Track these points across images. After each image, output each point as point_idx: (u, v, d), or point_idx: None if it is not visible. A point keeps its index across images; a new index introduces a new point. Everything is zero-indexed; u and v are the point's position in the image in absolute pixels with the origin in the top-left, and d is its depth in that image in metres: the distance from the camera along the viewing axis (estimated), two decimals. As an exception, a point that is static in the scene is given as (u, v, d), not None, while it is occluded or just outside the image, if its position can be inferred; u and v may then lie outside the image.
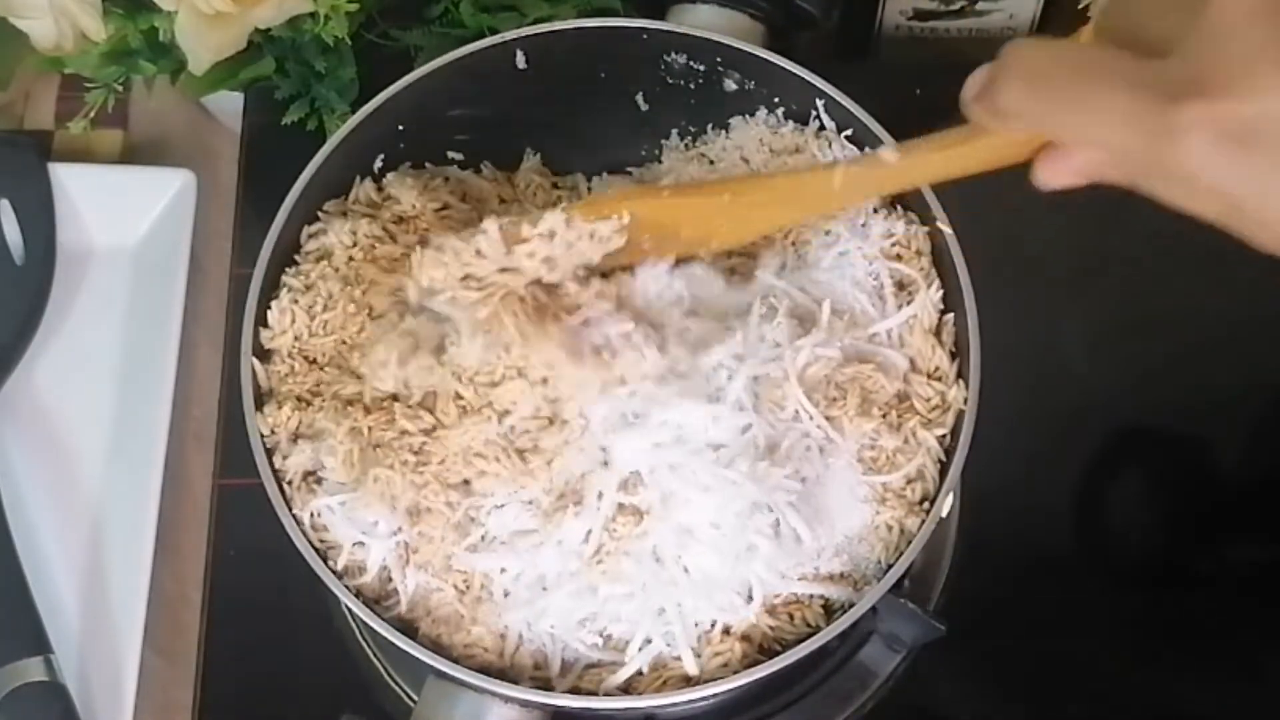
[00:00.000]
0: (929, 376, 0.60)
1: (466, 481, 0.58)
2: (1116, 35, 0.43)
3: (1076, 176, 0.45)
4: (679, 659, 0.56)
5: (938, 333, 0.61)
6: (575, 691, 0.56)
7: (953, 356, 0.61)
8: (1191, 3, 0.39)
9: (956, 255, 0.61)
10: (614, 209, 0.56)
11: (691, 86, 0.69)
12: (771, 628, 0.57)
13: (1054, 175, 0.45)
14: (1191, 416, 0.75)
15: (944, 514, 0.63)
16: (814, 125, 0.66)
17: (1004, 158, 0.49)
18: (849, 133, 0.65)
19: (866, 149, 0.60)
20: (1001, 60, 0.44)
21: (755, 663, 0.56)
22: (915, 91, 0.81)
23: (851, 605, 0.56)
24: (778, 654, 0.55)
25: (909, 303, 0.61)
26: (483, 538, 0.57)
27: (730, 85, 0.68)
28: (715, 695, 0.55)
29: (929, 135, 0.50)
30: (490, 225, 0.55)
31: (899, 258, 0.62)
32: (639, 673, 0.56)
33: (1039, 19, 0.83)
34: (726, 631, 0.56)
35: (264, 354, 0.61)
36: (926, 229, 0.63)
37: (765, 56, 0.66)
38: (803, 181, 0.58)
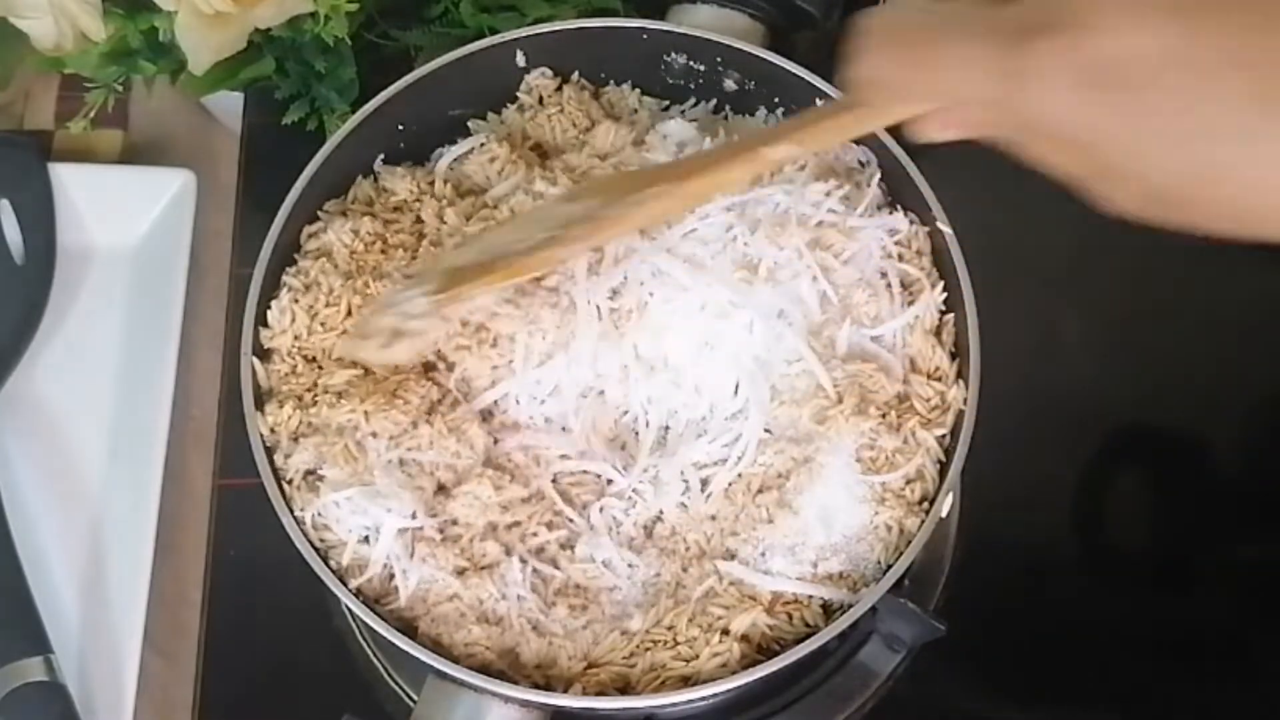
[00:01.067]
0: (929, 376, 0.60)
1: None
2: None
3: (951, 130, 0.44)
4: (678, 660, 0.56)
5: (938, 333, 0.61)
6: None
7: (952, 357, 0.61)
8: None
9: (957, 255, 0.61)
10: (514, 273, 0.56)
11: (691, 86, 0.69)
12: (770, 627, 0.57)
13: (929, 128, 0.44)
14: (1191, 416, 0.75)
15: (944, 514, 0.63)
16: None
17: (885, 118, 0.49)
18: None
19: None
20: (856, 30, 0.43)
21: (754, 663, 0.56)
22: (915, 91, 0.81)
23: (851, 605, 0.56)
24: (777, 654, 0.55)
25: (911, 303, 0.61)
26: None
27: (730, 85, 0.68)
28: (715, 695, 0.55)
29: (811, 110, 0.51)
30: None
31: (900, 258, 0.62)
32: (641, 671, 0.56)
33: (1039, 19, 0.83)
34: (725, 632, 0.56)
35: (264, 353, 0.61)
36: (927, 229, 0.63)
37: (764, 56, 0.66)
38: (727, 153, 0.56)
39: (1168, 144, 0.37)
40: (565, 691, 0.56)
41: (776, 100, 0.67)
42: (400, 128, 0.67)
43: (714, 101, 0.69)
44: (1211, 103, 0.36)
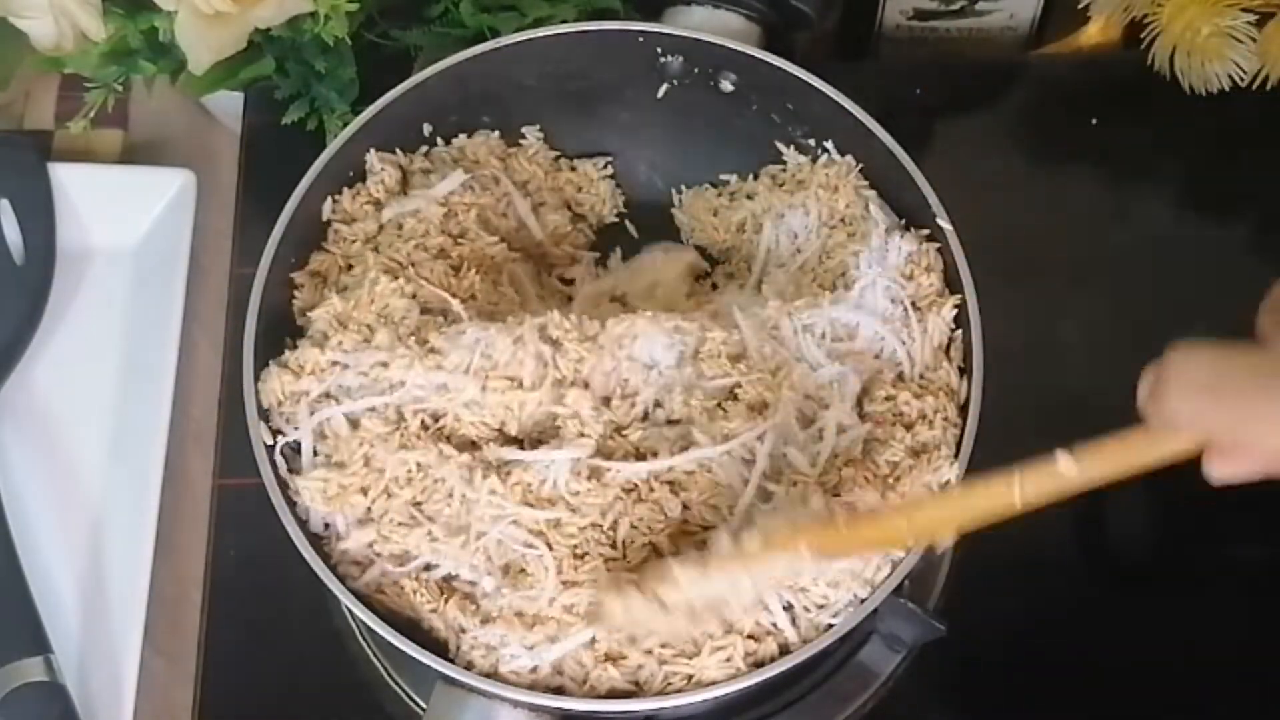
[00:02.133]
0: (939, 392, 0.60)
1: None
2: None
3: (1249, 471, 0.44)
4: (681, 657, 0.56)
5: (947, 349, 0.61)
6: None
7: (961, 373, 0.61)
8: None
9: (958, 252, 0.61)
10: (791, 544, 0.54)
11: (689, 87, 0.69)
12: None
13: (1226, 472, 0.44)
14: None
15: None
16: (822, 156, 0.67)
17: (1177, 454, 0.48)
18: (851, 156, 0.66)
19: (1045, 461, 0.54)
20: (1165, 366, 0.44)
21: (758, 663, 0.56)
22: (915, 91, 0.81)
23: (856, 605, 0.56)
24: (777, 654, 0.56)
25: (921, 321, 0.61)
26: None
27: (727, 86, 0.68)
28: (716, 697, 0.55)
29: (1103, 440, 0.49)
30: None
31: (911, 276, 0.62)
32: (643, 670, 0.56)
33: (1039, 19, 0.83)
34: (729, 630, 0.57)
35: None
36: (937, 246, 0.63)
37: (760, 56, 0.66)
38: (982, 495, 0.53)
39: None
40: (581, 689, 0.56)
41: (774, 100, 0.67)
42: (404, 127, 0.67)
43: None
44: None
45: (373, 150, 0.66)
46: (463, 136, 0.69)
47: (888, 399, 0.60)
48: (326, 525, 0.59)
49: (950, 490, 0.58)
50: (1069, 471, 0.50)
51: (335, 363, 0.60)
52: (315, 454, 0.59)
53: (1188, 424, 0.44)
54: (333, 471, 0.58)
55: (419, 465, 0.57)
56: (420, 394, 0.59)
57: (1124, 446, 0.48)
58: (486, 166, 0.68)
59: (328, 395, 0.60)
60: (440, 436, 0.59)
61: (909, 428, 0.59)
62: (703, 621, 0.54)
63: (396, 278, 0.62)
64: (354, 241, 0.65)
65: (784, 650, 0.56)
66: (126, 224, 0.79)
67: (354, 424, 0.59)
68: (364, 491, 0.58)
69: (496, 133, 0.70)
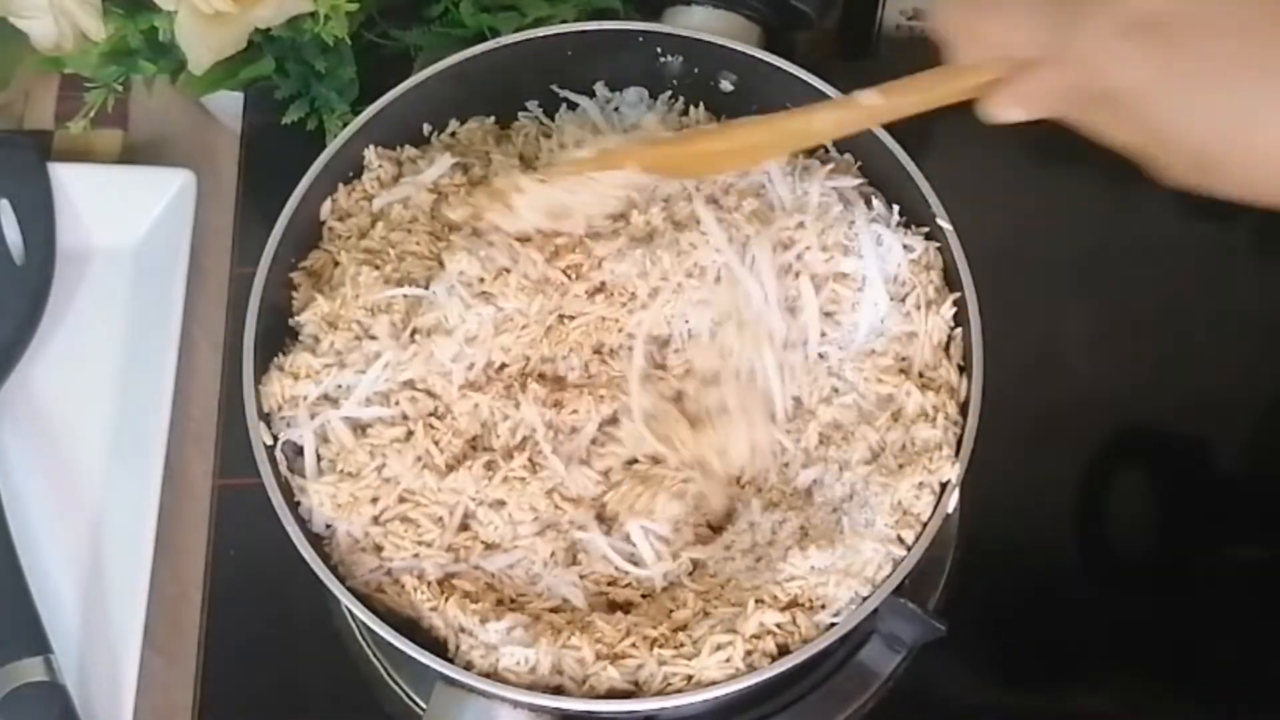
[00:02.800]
0: (938, 390, 0.60)
1: None
2: None
3: (1020, 105, 0.46)
4: (680, 657, 0.56)
5: (947, 348, 0.61)
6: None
7: (960, 370, 0.61)
8: None
9: (957, 251, 0.61)
10: (622, 161, 0.60)
11: (689, 87, 0.69)
12: (779, 626, 0.57)
13: (999, 105, 0.47)
14: (1191, 416, 0.75)
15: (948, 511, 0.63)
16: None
17: (961, 92, 0.51)
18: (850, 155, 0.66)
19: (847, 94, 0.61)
20: None
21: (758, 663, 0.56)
22: (915, 91, 0.81)
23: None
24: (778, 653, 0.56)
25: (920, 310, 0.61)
26: None
27: (727, 86, 0.68)
28: (716, 697, 0.55)
29: (901, 79, 0.53)
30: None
31: (910, 274, 0.62)
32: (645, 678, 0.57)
33: (1039, 19, 0.83)
34: (732, 629, 0.57)
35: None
36: (937, 245, 0.63)
37: (760, 56, 0.66)
38: (789, 122, 0.60)
39: (1206, 97, 0.39)
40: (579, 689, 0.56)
41: (773, 100, 0.67)
42: (404, 127, 0.67)
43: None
44: (1248, 58, 0.37)
45: (371, 146, 0.66)
46: (455, 122, 0.69)
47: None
48: (328, 526, 0.59)
49: (762, 119, 0.62)
50: (868, 102, 0.54)
51: (329, 365, 0.60)
52: (319, 458, 0.59)
53: (950, 28, 0.48)
54: (344, 481, 0.58)
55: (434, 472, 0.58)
56: (418, 371, 0.59)
57: (918, 82, 0.52)
58: (481, 148, 0.68)
59: (326, 398, 0.60)
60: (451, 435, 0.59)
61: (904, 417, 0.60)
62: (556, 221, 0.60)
63: (377, 267, 0.62)
64: (348, 238, 0.65)
65: (783, 650, 0.56)
66: (126, 224, 0.79)
67: (359, 429, 0.59)
68: (374, 501, 0.58)
69: (491, 118, 0.69)
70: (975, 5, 0.47)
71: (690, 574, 0.59)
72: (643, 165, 0.60)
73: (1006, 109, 0.47)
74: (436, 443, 0.59)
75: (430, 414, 0.60)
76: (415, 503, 0.58)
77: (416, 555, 0.58)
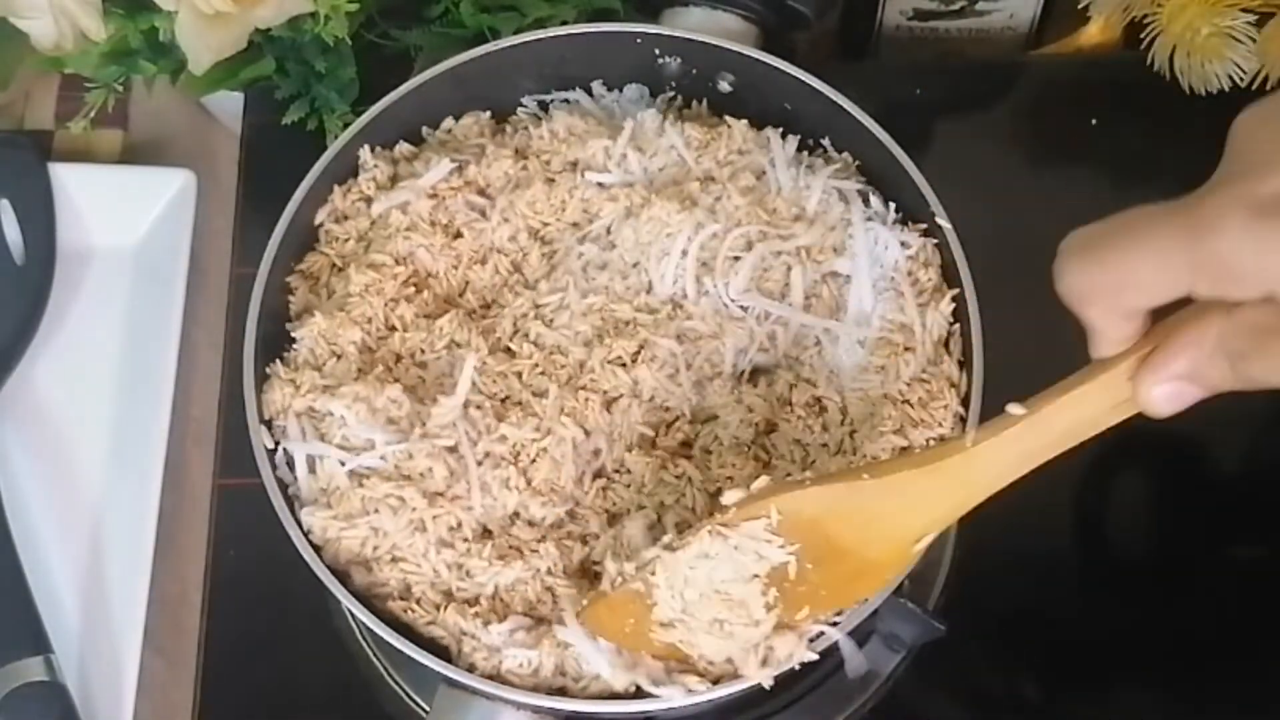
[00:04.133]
0: (938, 385, 0.60)
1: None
2: None
3: (1179, 383, 0.44)
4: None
5: (946, 344, 0.61)
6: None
7: (960, 366, 0.61)
8: None
9: (956, 250, 0.61)
10: (762, 507, 0.51)
11: (688, 88, 0.69)
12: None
13: (1158, 388, 0.44)
14: (1191, 416, 0.75)
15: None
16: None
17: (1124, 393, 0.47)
18: (849, 154, 0.66)
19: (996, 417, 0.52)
20: (1060, 248, 0.44)
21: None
22: (915, 91, 0.81)
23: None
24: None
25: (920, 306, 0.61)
26: None
27: (725, 87, 0.68)
28: (717, 697, 0.55)
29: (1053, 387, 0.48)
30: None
31: (909, 273, 0.62)
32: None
33: (1039, 19, 0.83)
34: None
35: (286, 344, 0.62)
36: (935, 242, 0.63)
37: (758, 57, 0.66)
38: (940, 453, 0.52)
39: None
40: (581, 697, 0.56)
41: (772, 101, 0.67)
42: (404, 128, 0.67)
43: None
44: None
45: (366, 146, 0.66)
46: (450, 120, 0.68)
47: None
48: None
49: (908, 455, 0.56)
50: (1016, 413, 0.49)
51: (329, 386, 0.60)
52: (312, 471, 0.59)
53: (1077, 288, 0.44)
54: (338, 520, 0.58)
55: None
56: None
57: (1070, 385, 0.47)
58: (476, 141, 0.68)
59: (313, 411, 0.60)
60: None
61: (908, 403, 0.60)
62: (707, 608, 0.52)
63: (376, 291, 0.62)
64: (346, 240, 0.65)
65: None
66: (126, 224, 0.79)
67: (356, 480, 0.58)
68: (364, 541, 0.58)
69: (488, 113, 0.69)
70: (1099, 253, 0.43)
71: None
72: (787, 514, 0.50)
73: (1169, 391, 0.44)
74: (435, 518, 0.58)
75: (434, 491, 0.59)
76: (405, 559, 0.58)
77: (408, 588, 0.58)
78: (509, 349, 0.60)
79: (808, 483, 0.52)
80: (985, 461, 0.50)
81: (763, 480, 0.53)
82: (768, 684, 0.54)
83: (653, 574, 0.52)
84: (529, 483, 0.58)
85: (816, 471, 0.57)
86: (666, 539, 0.54)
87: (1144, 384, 0.45)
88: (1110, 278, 0.43)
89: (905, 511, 0.52)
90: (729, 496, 0.52)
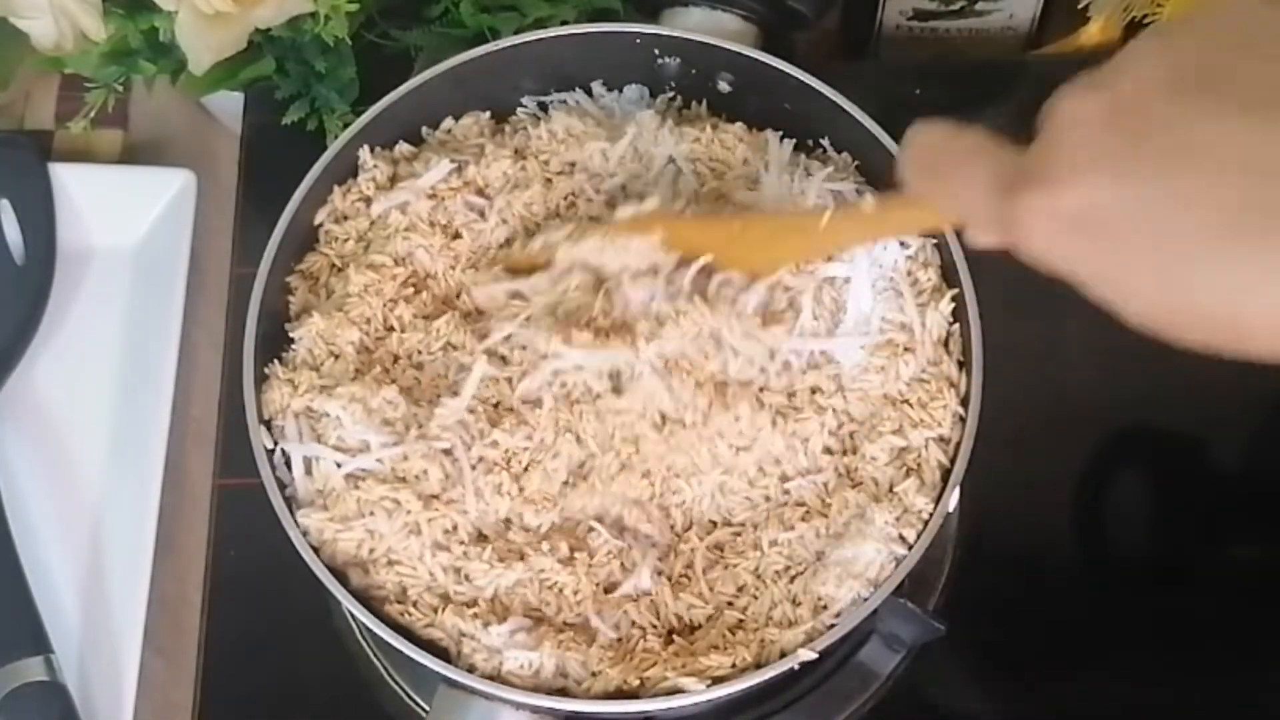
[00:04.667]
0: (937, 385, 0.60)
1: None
2: None
3: (992, 242, 0.47)
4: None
5: (946, 343, 0.61)
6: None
7: (960, 366, 0.61)
8: None
9: (955, 249, 0.61)
10: (646, 228, 0.59)
11: (688, 88, 0.69)
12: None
13: (975, 239, 0.48)
14: (1191, 416, 0.75)
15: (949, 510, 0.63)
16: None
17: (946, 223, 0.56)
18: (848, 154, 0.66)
19: (853, 195, 0.64)
20: (906, 135, 0.49)
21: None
22: (915, 91, 0.81)
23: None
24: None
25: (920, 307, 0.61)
26: None
27: (725, 87, 0.68)
28: (717, 697, 0.55)
29: (896, 195, 0.53)
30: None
31: (909, 274, 0.62)
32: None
33: (1039, 19, 0.83)
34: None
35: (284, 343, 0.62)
36: (934, 242, 0.63)
37: (757, 57, 0.66)
38: (799, 220, 0.62)
39: (1145, 279, 0.42)
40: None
41: (772, 101, 0.67)
42: (404, 128, 0.67)
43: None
44: (1177, 240, 0.40)
45: (365, 146, 0.66)
46: (450, 120, 0.68)
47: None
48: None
49: (777, 214, 0.63)
50: (868, 209, 0.58)
51: (327, 386, 0.60)
52: (308, 473, 0.59)
53: (907, 182, 0.49)
54: (334, 522, 0.58)
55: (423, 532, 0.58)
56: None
57: (907, 199, 0.52)
58: (475, 141, 0.68)
59: (310, 411, 0.60)
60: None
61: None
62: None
63: (375, 292, 0.62)
64: (346, 240, 0.65)
65: (784, 651, 0.56)
66: (126, 224, 0.78)
67: (351, 482, 0.58)
68: (360, 543, 0.58)
69: (488, 113, 0.69)
70: (930, 173, 0.49)
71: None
72: (668, 237, 0.59)
73: (978, 241, 0.48)
74: (431, 520, 0.58)
75: (430, 494, 0.59)
76: (401, 562, 0.58)
77: (404, 591, 0.58)
78: (503, 356, 0.60)
79: (688, 215, 0.62)
80: (826, 238, 0.58)
81: (651, 203, 0.61)
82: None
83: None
84: (521, 490, 0.58)
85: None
86: (569, 229, 0.61)
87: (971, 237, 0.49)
88: (928, 192, 0.50)
89: (765, 254, 0.60)
90: (621, 212, 0.61)
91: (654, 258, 0.59)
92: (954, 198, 0.47)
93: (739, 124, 0.66)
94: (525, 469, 0.58)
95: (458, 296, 0.63)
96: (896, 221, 0.57)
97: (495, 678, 0.56)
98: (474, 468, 0.58)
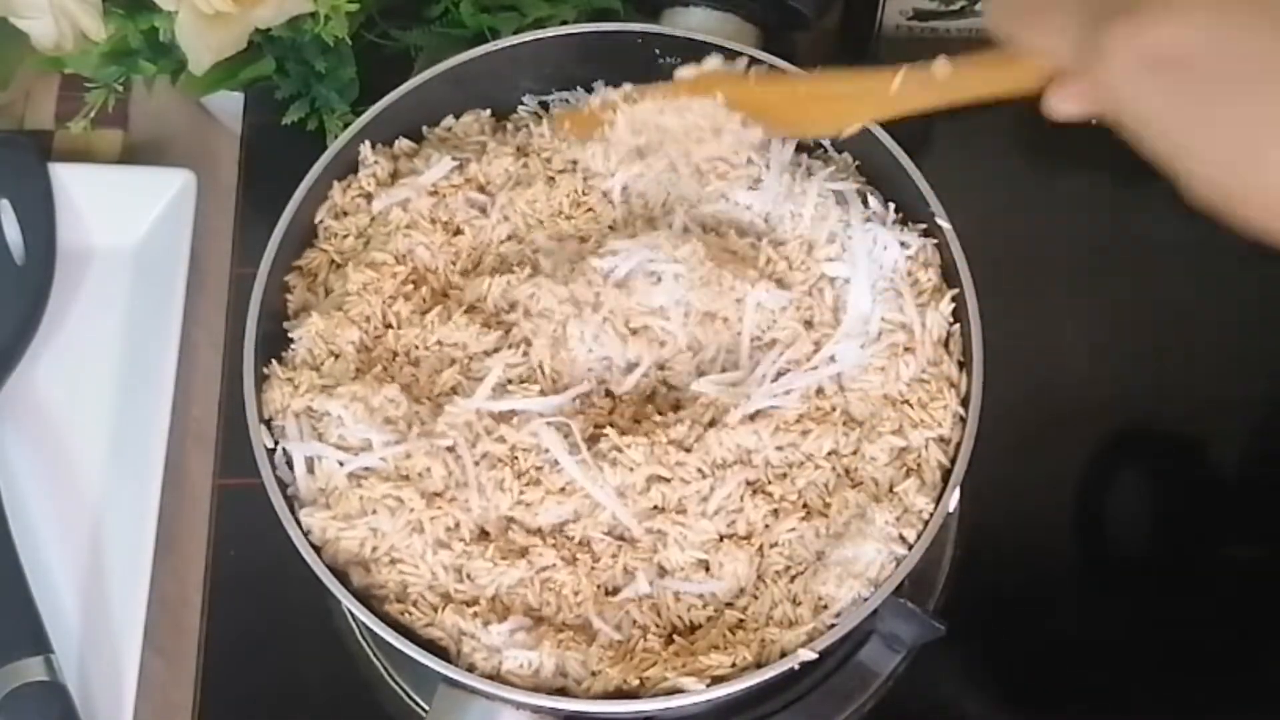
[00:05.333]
0: (937, 386, 0.60)
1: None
2: None
3: (1074, 105, 0.47)
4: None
5: (946, 343, 0.61)
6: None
7: (960, 366, 0.61)
8: None
9: (956, 250, 0.61)
10: (708, 89, 0.61)
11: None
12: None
13: (1057, 103, 0.47)
14: (1191, 416, 0.75)
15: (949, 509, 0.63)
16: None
17: (1025, 81, 0.51)
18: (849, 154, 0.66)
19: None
20: None
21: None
22: (915, 91, 0.81)
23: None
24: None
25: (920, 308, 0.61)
26: None
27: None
28: (717, 697, 0.55)
29: (972, 55, 0.53)
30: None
31: (909, 274, 0.62)
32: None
33: (1039, 19, 0.83)
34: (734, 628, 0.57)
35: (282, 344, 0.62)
36: (935, 242, 0.63)
37: (757, 57, 0.66)
38: (867, 80, 0.59)
39: (1218, 142, 0.39)
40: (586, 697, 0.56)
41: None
42: (404, 128, 0.67)
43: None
44: (1260, 96, 0.38)
45: (366, 142, 0.66)
46: (451, 118, 0.68)
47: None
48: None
49: (845, 72, 0.60)
50: (942, 72, 0.54)
51: (322, 388, 0.60)
52: (310, 472, 0.59)
53: (995, 27, 0.48)
54: (337, 520, 0.58)
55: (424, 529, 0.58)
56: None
57: (987, 62, 0.52)
58: (477, 139, 0.68)
59: (311, 410, 0.60)
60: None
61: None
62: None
63: (374, 290, 0.62)
64: (345, 236, 0.65)
65: (785, 651, 0.56)
66: (126, 224, 0.78)
67: (354, 480, 0.58)
68: (363, 542, 0.58)
69: (488, 111, 0.69)
70: (1018, 13, 0.48)
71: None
72: (731, 98, 0.60)
73: (1060, 105, 0.48)
74: (433, 518, 0.58)
75: (432, 492, 0.59)
76: (403, 560, 0.58)
77: (405, 590, 0.58)
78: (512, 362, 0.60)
79: (752, 77, 0.62)
80: (898, 101, 0.57)
81: (713, 61, 0.62)
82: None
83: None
84: (524, 487, 0.58)
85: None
86: (626, 88, 0.62)
87: (1051, 98, 0.49)
88: (1014, 34, 0.48)
89: (829, 113, 0.60)
90: (682, 72, 0.62)
91: (716, 117, 0.61)
92: (1043, 36, 0.46)
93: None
94: (530, 468, 0.58)
95: (455, 290, 0.63)
96: (970, 84, 0.54)
97: (495, 677, 0.56)
98: (477, 464, 0.58)
